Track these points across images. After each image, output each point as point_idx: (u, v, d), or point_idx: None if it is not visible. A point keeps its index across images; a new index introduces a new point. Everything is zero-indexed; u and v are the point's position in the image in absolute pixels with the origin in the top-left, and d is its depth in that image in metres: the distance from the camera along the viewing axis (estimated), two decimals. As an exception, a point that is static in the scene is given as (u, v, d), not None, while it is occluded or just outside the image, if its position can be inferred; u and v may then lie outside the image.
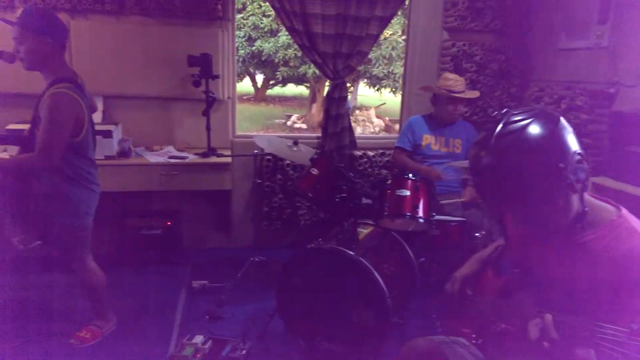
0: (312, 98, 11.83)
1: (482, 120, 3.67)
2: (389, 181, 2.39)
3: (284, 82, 10.86)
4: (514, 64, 3.61)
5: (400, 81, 9.74)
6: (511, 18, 3.54)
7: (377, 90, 10.68)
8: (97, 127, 2.48)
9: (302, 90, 14.80)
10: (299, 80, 10.74)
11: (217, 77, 3.19)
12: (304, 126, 11.84)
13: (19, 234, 2.48)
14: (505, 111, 1.12)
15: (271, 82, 11.75)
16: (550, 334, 1.05)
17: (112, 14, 3.15)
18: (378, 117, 11.80)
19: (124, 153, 3.07)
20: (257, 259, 3.23)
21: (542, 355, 1.23)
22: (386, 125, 11.86)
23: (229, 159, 3.19)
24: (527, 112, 1.09)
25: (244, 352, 2.37)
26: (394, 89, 10.24)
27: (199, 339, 2.42)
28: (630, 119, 2.59)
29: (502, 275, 1.47)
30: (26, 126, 2.84)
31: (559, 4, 3.29)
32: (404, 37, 9.37)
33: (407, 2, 3.60)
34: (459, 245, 2.66)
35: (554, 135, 1.05)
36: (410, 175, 2.38)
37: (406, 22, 7.77)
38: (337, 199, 2.35)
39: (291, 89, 15.92)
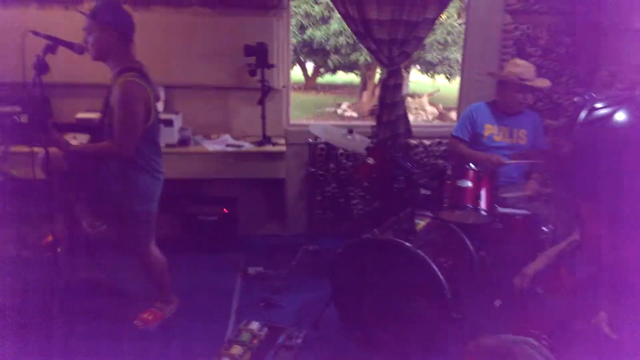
0: (363, 86, 11.68)
1: (546, 108, 3.47)
2: (449, 171, 2.31)
3: (335, 70, 10.76)
4: (583, 47, 3.37)
5: (456, 67, 9.45)
6: (581, -2, 3.31)
7: (431, 76, 10.36)
8: (159, 116, 2.55)
9: (352, 78, 14.64)
10: (350, 68, 10.61)
11: (272, 66, 3.20)
12: (354, 114, 11.74)
13: (87, 217, 2.62)
14: (590, 97, 1.03)
15: (321, 70, 11.69)
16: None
17: (173, 5, 3.22)
18: (431, 104, 11.48)
19: (183, 141, 3.16)
20: (310, 248, 3.24)
21: (615, 354, 1.15)
22: (440, 113, 11.52)
23: (283, 148, 3.21)
24: (615, 99, 1.00)
25: (299, 340, 2.39)
26: (448, 75, 9.91)
27: (255, 325, 2.46)
28: None
29: (576, 273, 1.39)
30: (94, 115, 2.99)
31: (637, -20, 3.04)
32: (459, 21, 9.03)
33: (467, -16, 3.45)
34: (523, 240, 2.54)
35: None
36: (472, 165, 2.28)
37: (462, 4, 7.47)
38: (394, 189, 2.30)
39: (341, 77, 15.80)
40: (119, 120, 2.15)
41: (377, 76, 11.21)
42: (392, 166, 2.39)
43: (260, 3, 3.24)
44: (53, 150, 2.22)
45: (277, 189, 3.64)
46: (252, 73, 3.16)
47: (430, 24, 3.32)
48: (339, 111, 12.22)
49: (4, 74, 2.91)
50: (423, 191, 2.32)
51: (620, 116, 0.96)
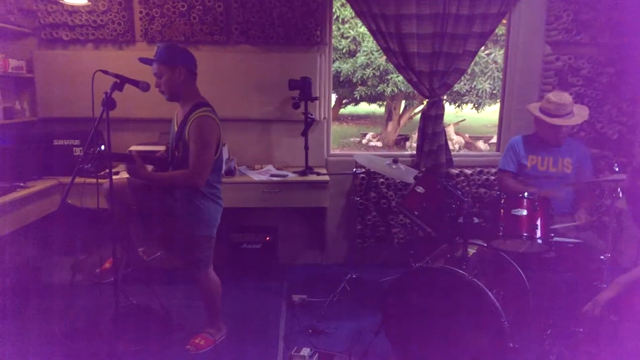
0: (388, 116, 11.78)
1: (589, 137, 3.47)
2: (503, 200, 2.32)
3: (360, 100, 10.92)
4: (625, 77, 3.39)
5: (484, 97, 9.48)
6: (622, 30, 3.34)
7: (458, 106, 10.42)
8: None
9: (375, 108, 14.82)
10: (376, 99, 10.75)
11: (316, 99, 3.30)
12: (379, 144, 11.82)
13: (143, 245, 2.71)
14: None
15: (344, 102, 11.88)
16: None
17: (221, 44, 3.39)
18: (457, 133, 11.50)
19: (230, 172, 3.25)
20: (353, 276, 3.25)
21: None
22: (466, 142, 11.51)
23: (327, 178, 3.27)
24: None
25: (350, 367, 2.38)
26: (476, 105, 9.94)
27: (306, 351, 2.46)
28: None
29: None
30: (149, 147, 3.13)
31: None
32: (487, 52, 9.13)
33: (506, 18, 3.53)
34: (576, 268, 2.51)
35: None
36: (527, 194, 2.29)
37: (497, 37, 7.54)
38: (446, 217, 2.31)
39: (364, 108, 16.01)
40: (196, 152, 2.29)
41: (402, 106, 11.32)
42: (443, 195, 2.41)
43: (304, 40, 3.37)
44: (117, 181, 2.33)
45: (317, 218, 3.68)
46: (296, 106, 3.26)
47: (471, 56, 3.39)
48: (364, 141, 12.33)
49: (75, 110, 3.10)
50: (475, 220, 2.32)
51: None
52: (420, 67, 3.36)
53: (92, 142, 2.13)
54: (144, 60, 2.38)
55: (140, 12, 3.30)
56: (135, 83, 2.24)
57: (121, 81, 2.20)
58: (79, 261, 2.86)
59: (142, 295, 2.84)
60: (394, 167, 2.88)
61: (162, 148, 3.14)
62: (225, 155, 3.30)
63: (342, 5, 8.15)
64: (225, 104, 3.39)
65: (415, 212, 2.45)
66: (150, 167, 2.36)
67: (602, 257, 2.34)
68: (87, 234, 2.56)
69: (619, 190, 2.31)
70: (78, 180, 2.20)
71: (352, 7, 3.35)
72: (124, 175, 2.84)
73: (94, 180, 2.31)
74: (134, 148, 3.20)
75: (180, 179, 2.35)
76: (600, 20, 3.34)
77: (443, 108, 3.47)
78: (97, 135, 2.19)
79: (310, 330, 2.77)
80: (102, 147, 2.50)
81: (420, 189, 2.48)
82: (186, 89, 2.39)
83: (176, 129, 2.45)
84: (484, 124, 14.49)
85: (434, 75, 3.38)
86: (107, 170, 2.22)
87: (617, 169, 2.45)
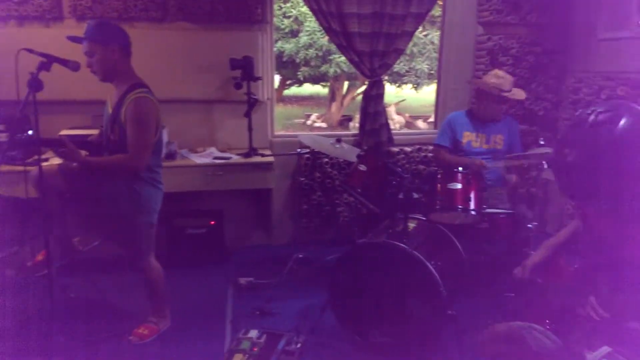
0: (332, 97, 11.84)
1: (518, 114, 3.67)
2: (439, 175, 2.42)
3: (304, 82, 10.90)
4: (551, 56, 3.61)
5: (423, 77, 9.75)
6: (548, 10, 3.54)
7: (398, 86, 10.64)
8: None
9: (319, 89, 14.84)
10: (319, 79, 10.77)
11: (258, 78, 3.26)
12: (324, 125, 11.88)
13: (78, 235, 2.59)
14: (592, 109, 1.15)
15: (287, 82, 11.80)
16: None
17: (157, 21, 3.25)
18: (398, 113, 11.77)
19: (170, 155, 3.16)
20: (300, 256, 3.29)
21: (614, 334, 1.26)
22: (407, 121, 11.82)
23: (271, 159, 3.26)
24: (611, 107, 1.12)
25: (299, 345, 2.42)
26: (415, 85, 10.20)
27: (254, 333, 2.48)
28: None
29: (575, 262, 1.51)
30: (81, 132, 2.97)
31: (597, -6, 3.28)
32: (424, 33, 9.34)
33: (441, -2, 3.63)
34: (507, 237, 2.68)
35: None
36: (461, 168, 2.40)
37: (433, 18, 7.72)
38: (387, 194, 2.39)
39: (307, 89, 15.99)
40: (135, 135, 2.20)
41: (345, 87, 11.41)
42: (384, 172, 2.48)
43: (245, 18, 3.30)
44: (47, 167, 2.20)
45: (263, 199, 3.68)
46: (238, 86, 3.21)
47: (409, 36, 3.47)
48: (308, 122, 12.34)
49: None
50: (414, 195, 2.42)
51: (622, 121, 1.09)
52: (362, 47, 3.39)
53: (19, 126, 2.00)
54: (73, 39, 2.24)
55: (67, -13, 3.09)
56: (64, 62, 2.11)
57: (48, 60, 2.06)
58: (9, 255, 2.70)
59: (79, 288, 2.73)
60: (337, 146, 2.92)
61: (95, 132, 2.99)
62: (165, 139, 3.20)
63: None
64: (163, 84, 3.25)
65: (359, 190, 2.52)
66: (83, 152, 2.25)
67: (529, 225, 2.52)
68: (17, 225, 2.41)
69: (544, 162, 2.49)
70: (4, 168, 2.06)
71: (292, -15, 3.31)
72: (54, 161, 2.69)
73: (21, 168, 2.17)
74: (65, 132, 3.02)
75: (119, 163, 2.26)
76: (528, 1, 3.51)
77: (383, 88, 3.55)
78: (24, 119, 2.06)
79: (258, 312, 2.79)
80: (30, 132, 2.36)
81: (362, 167, 2.54)
82: (120, 68, 2.28)
83: (110, 111, 2.34)
84: (422, 104, 14.89)
85: (375, 55, 3.44)
86: (36, 157, 2.09)
87: (542, 142, 2.63)
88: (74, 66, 2.16)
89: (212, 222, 3.40)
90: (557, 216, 3.59)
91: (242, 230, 3.75)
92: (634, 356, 1.26)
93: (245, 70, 3.18)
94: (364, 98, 3.55)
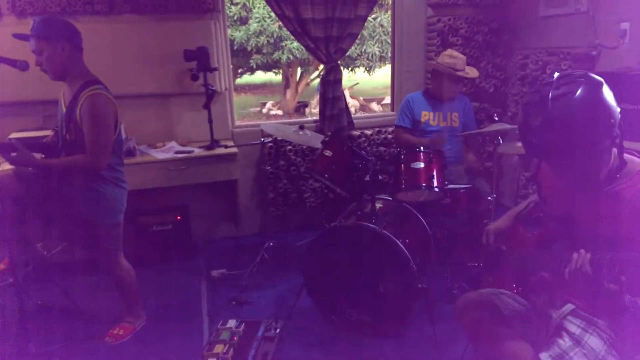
0: (286, 84, 11.79)
1: (470, 91, 3.82)
2: (402, 156, 2.50)
3: (256, 69, 10.77)
4: (498, 34, 3.76)
5: (374, 60, 9.85)
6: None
7: (351, 70, 10.72)
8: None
9: (271, 77, 14.71)
10: (272, 67, 10.67)
11: (215, 69, 3.22)
12: (280, 112, 11.83)
13: (42, 239, 2.51)
14: (557, 76, 1.24)
15: (239, 71, 11.63)
16: (585, 269, 1.20)
17: (103, 14, 3.12)
18: (352, 97, 11.89)
19: (129, 152, 3.08)
20: (270, 244, 3.32)
21: (579, 293, 1.38)
22: (361, 104, 11.96)
23: (235, 150, 3.24)
24: (574, 77, 1.22)
25: (277, 330, 2.47)
26: (368, 68, 10.31)
27: (232, 323, 2.50)
28: (616, 79, 2.77)
29: (534, 230, 1.62)
30: (33, 133, 2.84)
31: (537, -27, 3.44)
32: (373, 16, 9.43)
33: (390, -18, 3.69)
34: (468, 211, 2.81)
35: (603, 96, 1.19)
36: (422, 148, 2.49)
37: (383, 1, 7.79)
38: (355, 177, 2.45)
39: (260, 77, 15.81)
40: (92, 134, 2.13)
41: (299, 73, 11.38)
42: (349, 156, 2.54)
43: (195, 7, 3.23)
44: (3, 172, 2.11)
45: (229, 191, 3.66)
46: (194, 78, 3.16)
47: (362, 20, 3.51)
48: (264, 110, 12.24)
49: None
50: (380, 177, 2.49)
51: (586, 90, 1.18)
52: (316, 33, 3.41)
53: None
54: (19, 36, 2.12)
55: (4, -19, 2.92)
56: (11, 62, 2.02)
57: (-5, 60, 1.97)
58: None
59: (48, 293, 2.65)
60: (300, 133, 2.94)
61: (49, 133, 2.87)
62: (123, 135, 3.12)
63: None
64: (115, 80, 3.12)
65: (326, 175, 2.56)
66: (39, 155, 2.16)
67: (489, 198, 2.66)
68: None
69: (499, 137, 2.62)
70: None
71: (243, -28, 3.27)
72: (7, 166, 2.58)
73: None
74: (15, 135, 2.89)
75: (79, 164, 2.18)
76: (474, -18, 3.64)
77: (341, 73, 3.59)
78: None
79: (234, 302, 2.81)
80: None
81: (328, 153, 2.58)
82: (72, 65, 2.19)
83: (64, 110, 2.25)
84: (375, 87, 15.11)
85: (330, 40, 3.46)
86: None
87: (497, 119, 2.76)
88: (22, 65, 2.07)
89: (178, 218, 3.36)
90: (511, 188, 3.78)
91: (210, 223, 3.72)
92: (600, 312, 1.38)
93: (200, 61, 3.12)
94: (322, 83, 3.58)
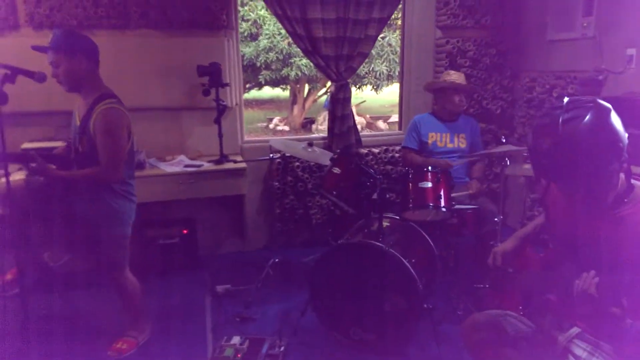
0: (293, 100, 11.89)
1: (477, 113, 3.84)
2: (410, 175, 2.52)
3: (265, 85, 10.89)
4: (506, 57, 3.80)
5: (382, 78, 9.94)
6: (501, 14, 3.73)
7: (358, 88, 10.81)
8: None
9: (278, 92, 14.85)
10: (280, 82, 10.79)
11: (226, 85, 3.27)
12: (286, 128, 11.91)
13: (48, 250, 2.52)
14: (567, 101, 1.26)
15: (247, 86, 11.76)
16: (591, 291, 1.20)
17: (118, 28, 3.19)
18: (359, 115, 11.96)
19: (139, 165, 3.11)
20: (276, 260, 3.32)
21: (584, 316, 1.38)
22: (367, 122, 12.03)
23: (244, 165, 3.27)
24: (583, 102, 1.24)
25: (282, 348, 2.46)
26: (375, 87, 10.41)
27: (236, 339, 2.50)
28: (621, 104, 2.79)
29: (540, 252, 1.62)
30: (44, 144, 2.88)
31: (546, -1, 3.49)
32: (382, 36, 9.54)
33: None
34: (474, 232, 2.82)
35: (611, 121, 1.21)
36: (430, 167, 2.51)
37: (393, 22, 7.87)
38: (363, 195, 2.46)
39: (267, 92, 15.98)
40: (106, 147, 2.17)
41: (306, 90, 11.49)
42: (358, 174, 2.55)
43: (210, 24, 3.29)
44: (15, 182, 2.14)
45: (236, 205, 3.68)
46: (206, 93, 3.20)
47: (372, 40, 3.57)
48: (271, 126, 12.33)
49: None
50: (388, 195, 2.50)
51: (589, 117, 1.20)
52: (327, 52, 3.46)
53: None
54: (38, 49, 2.17)
55: (24, -5, 2.99)
56: (29, 74, 2.06)
57: (12, 72, 2.01)
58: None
59: (53, 304, 2.66)
60: (309, 150, 2.97)
61: (59, 144, 2.91)
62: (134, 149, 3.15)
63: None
64: (129, 92, 3.16)
65: (334, 192, 2.57)
66: (51, 166, 2.19)
67: (495, 219, 2.66)
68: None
69: (506, 159, 2.63)
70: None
71: (256, -9, 3.34)
72: (17, 176, 2.61)
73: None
74: (27, 145, 2.94)
75: (94, 177, 2.21)
76: (483, 5, 3.69)
77: (350, 91, 3.63)
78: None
79: (238, 319, 2.80)
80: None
81: (336, 170, 2.60)
82: (88, 78, 2.23)
83: (78, 122, 2.29)
84: (382, 105, 15.21)
85: (340, 59, 3.51)
86: (2, 172, 2.03)
87: (504, 141, 2.78)
88: (41, 77, 2.11)
89: (185, 231, 3.37)
90: (517, 210, 3.78)
91: (216, 237, 3.73)
92: (602, 335, 1.38)
93: (213, 76, 3.17)
94: (331, 101, 3.62)
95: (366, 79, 10.06)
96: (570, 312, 1.49)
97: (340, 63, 3.52)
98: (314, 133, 10.80)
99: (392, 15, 3.63)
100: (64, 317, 2.62)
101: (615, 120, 1.23)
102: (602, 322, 1.19)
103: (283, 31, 9.04)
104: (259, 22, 9.15)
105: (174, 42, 3.27)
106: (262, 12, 9.13)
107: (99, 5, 3.10)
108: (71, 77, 2.18)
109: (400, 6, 3.74)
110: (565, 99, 1.27)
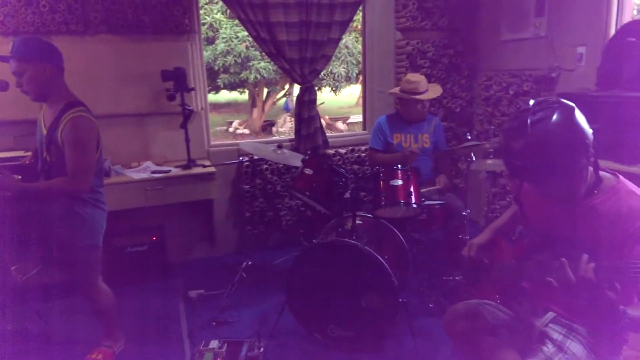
0: (252, 103, 11.82)
1: (437, 112, 3.98)
2: (382, 173, 2.59)
3: (223, 88, 10.77)
4: (463, 57, 3.96)
5: (340, 80, 10.06)
6: (457, 15, 3.88)
7: (318, 90, 10.89)
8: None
9: (236, 96, 14.73)
10: (238, 86, 10.70)
11: (192, 89, 3.24)
12: (246, 131, 11.81)
13: (16, 263, 2.42)
14: (533, 103, 1.34)
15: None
16: (589, 275, 1.24)
17: (78, 34, 3.09)
18: (319, 116, 12.03)
19: (105, 173, 3.02)
20: (249, 263, 3.31)
21: (570, 298, 1.45)
22: (327, 123, 12.12)
23: (213, 169, 3.25)
24: (549, 103, 1.33)
25: (261, 349, 2.46)
26: (334, 89, 10.52)
27: (214, 343, 2.48)
28: (573, 99, 2.97)
29: (514, 242, 1.72)
30: (2, 154, 2.76)
31: (500, 0, 3.65)
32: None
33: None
34: (443, 226, 2.92)
35: (576, 119, 1.30)
36: (400, 165, 2.59)
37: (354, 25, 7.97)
38: (336, 194, 2.51)
39: (224, 96, 15.80)
40: (75, 157, 2.10)
41: (265, 93, 11.45)
42: (330, 174, 2.60)
43: (172, 28, 3.25)
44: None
45: (205, 210, 3.64)
46: (171, 98, 3.16)
47: (335, 43, 3.63)
48: (230, 129, 12.20)
49: None
50: (361, 194, 2.56)
51: (561, 115, 1.29)
52: (291, 55, 3.49)
53: None
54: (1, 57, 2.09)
55: (-26, 0, 2.85)
56: (-10, 82, 1.98)
57: (-28, 81, 1.93)
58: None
59: (22, 318, 2.55)
60: (279, 152, 2.99)
61: (20, 154, 2.80)
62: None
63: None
64: (90, 99, 3.06)
65: (307, 193, 2.60)
66: (17, 177, 2.11)
67: (464, 213, 2.77)
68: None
69: (472, 154, 2.75)
70: None
71: (219, -5, 3.33)
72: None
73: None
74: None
75: (60, 187, 2.14)
76: (440, 8, 3.83)
77: (315, 93, 3.67)
78: None
79: (214, 323, 2.78)
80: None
81: (308, 171, 2.63)
82: (53, 86, 2.16)
83: (45, 131, 2.21)
84: (340, 106, 15.37)
85: (304, 62, 3.55)
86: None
87: (469, 137, 2.90)
88: (3, 86, 2.03)
89: (154, 238, 3.31)
90: (479, 204, 3.94)
91: (185, 243, 3.68)
92: (576, 317, 1.48)
93: (177, 81, 3.14)
94: (297, 103, 3.65)
95: (325, 80, 10.14)
96: (544, 298, 1.59)
97: (305, 65, 3.56)
98: (274, 135, 10.78)
99: (353, 17, 3.70)
100: (36, 330, 2.54)
101: (580, 117, 1.32)
102: (601, 308, 1.24)
103: (240, 34, 9.00)
104: (215, 25, 9.05)
105: (135, 47, 3.20)
106: (218, 15, 9.04)
107: (56, 11, 2.99)
108: (36, 85, 2.10)
109: (360, 9, 3.82)
110: (531, 101, 1.36)
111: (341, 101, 15.35)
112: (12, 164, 2.27)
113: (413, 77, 3.19)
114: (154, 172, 3.15)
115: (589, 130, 1.31)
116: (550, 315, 1.55)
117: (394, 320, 2.48)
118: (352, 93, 15.46)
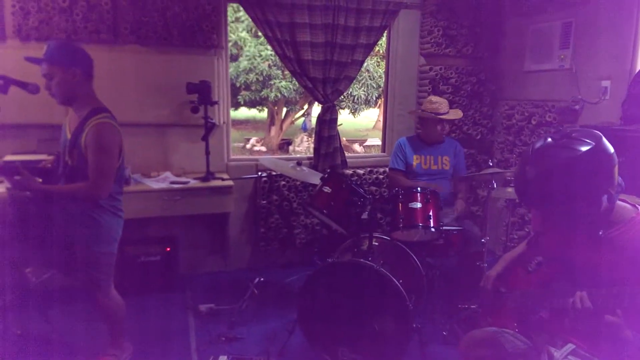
0: (271, 121, 11.95)
1: (458, 138, 3.96)
2: (401, 195, 2.56)
3: (243, 105, 10.93)
4: (486, 85, 3.96)
5: (360, 102, 10.14)
6: (482, 43, 3.90)
7: (336, 111, 11.00)
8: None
9: (254, 113, 14.92)
10: (258, 103, 10.86)
11: (215, 103, 3.28)
12: (263, 149, 11.91)
13: (30, 266, 2.44)
14: (560, 131, 1.32)
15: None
16: (585, 304, 1.25)
17: (108, 43, 3.17)
18: (335, 137, 12.08)
19: (125, 181, 3.05)
20: (261, 279, 3.28)
21: (578, 327, 1.42)
22: (344, 145, 12.16)
23: (230, 182, 3.26)
24: (575, 133, 1.31)
25: (270, 368, 2.42)
26: (352, 111, 10.60)
27: (223, 359, 2.45)
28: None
29: (531, 271, 1.67)
30: (25, 157, 2.81)
31: (525, 30, 3.67)
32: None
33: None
34: (460, 252, 2.87)
35: (603, 148, 1.27)
36: (419, 188, 2.56)
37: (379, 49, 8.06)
38: (353, 214, 2.49)
39: (243, 113, 16.01)
40: (97, 162, 2.12)
41: (284, 112, 11.58)
42: (348, 193, 2.58)
43: (200, 43, 3.32)
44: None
45: (219, 223, 3.64)
46: (195, 110, 3.20)
47: (359, 65, 3.66)
48: (248, 146, 12.33)
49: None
50: (379, 215, 2.54)
51: (561, 146, 1.27)
52: (315, 74, 3.53)
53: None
54: (32, 60, 2.13)
55: (13, 6, 2.94)
56: (22, 85, 2.02)
57: (5, 83, 1.98)
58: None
59: (32, 322, 2.55)
60: (298, 169, 2.99)
61: (42, 157, 2.84)
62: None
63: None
64: (115, 107, 3.16)
65: (325, 211, 2.59)
66: (37, 179, 2.13)
67: (482, 240, 2.73)
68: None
69: (493, 181, 2.72)
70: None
71: (248, 13, 3.39)
72: (1, 188, 2.53)
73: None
74: (10, 158, 2.85)
75: (80, 192, 2.15)
76: (465, 35, 3.85)
77: (336, 113, 3.69)
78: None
79: (223, 338, 2.75)
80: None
81: (327, 189, 2.62)
82: (81, 92, 2.19)
83: (69, 136, 2.24)
84: (357, 129, 15.46)
85: (327, 81, 3.58)
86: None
87: (491, 164, 2.87)
88: (33, 89, 2.08)
89: (168, 249, 3.31)
90: (496, 232, 3.87)
91: (198, 255, 3.67)
92: (597, 351, 1.42)
93: (202, 94, 3.18)
94: (318, 122, 3.67)
95: (344, 102, 10.23)
96: (564, 329, 1.54)
97: (328, 85, 3.59)
98: (291, 154, 10.84)
99: (378, 41, 3.74)
100: (41, 335, 2.52)
101: (607, 143, 1.30)
102: (600, 333, 1.23)
103: (263, 53, 9.16)
104: (239, 43, 9.25)
105: (163, 58, 3.27)
106: (244, 34, 9.25)
107: (89, 19, 3.08)
108: (64, 89, 2.13)
109: (385, 33, 3.86)
110: (556, 130, 1.34)
111: (359, 124, 15.44)
112: (34, 166, 2.29)
113: (435, 98, 3.27)
114: (172, 182, 3.17)
115: (615, 158, 1.29)
116: (570, 347, 1.49)
117: (407, 346, 2.42)
118: (369, 116, 15.55)
